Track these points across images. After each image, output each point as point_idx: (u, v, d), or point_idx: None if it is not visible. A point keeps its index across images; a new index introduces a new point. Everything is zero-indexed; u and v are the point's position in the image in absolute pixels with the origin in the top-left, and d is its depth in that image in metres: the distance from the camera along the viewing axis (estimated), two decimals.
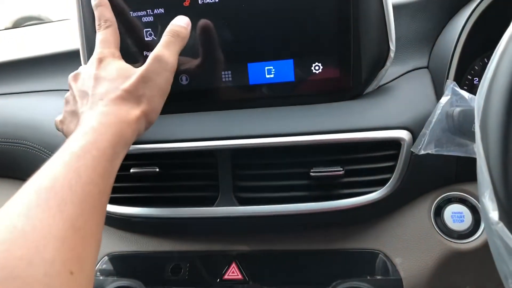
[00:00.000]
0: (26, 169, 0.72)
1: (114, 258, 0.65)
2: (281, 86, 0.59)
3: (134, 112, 0.48)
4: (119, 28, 0.57)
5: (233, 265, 0.61)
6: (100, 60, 0.52)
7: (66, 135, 0.52)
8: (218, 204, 0.58)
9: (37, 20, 1.62)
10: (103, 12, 0.56)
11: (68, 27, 1.19)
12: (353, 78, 0.57)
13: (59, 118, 0.55)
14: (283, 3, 0.55)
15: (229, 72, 0.59)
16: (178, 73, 0.58)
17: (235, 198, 0.58)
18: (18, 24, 1.58)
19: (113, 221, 0.65)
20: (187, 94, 0.61)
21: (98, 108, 0.47)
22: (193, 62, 0.59)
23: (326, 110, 0.57)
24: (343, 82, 0.58)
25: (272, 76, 0.59)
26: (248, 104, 0.60)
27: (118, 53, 0.55)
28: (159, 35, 0.58)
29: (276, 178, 0.58)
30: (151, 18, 0.59)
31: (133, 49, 0.60)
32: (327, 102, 0.59)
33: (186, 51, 0.55)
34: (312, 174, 0.55)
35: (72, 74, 0.54)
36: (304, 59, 0.57)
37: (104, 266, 0.65)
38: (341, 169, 0.55)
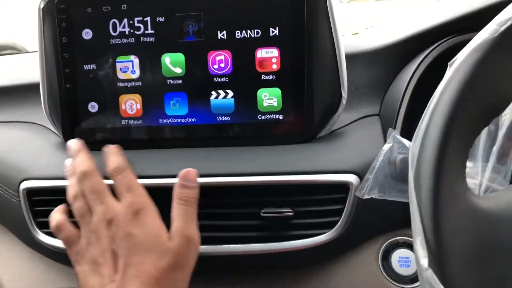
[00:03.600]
0: None
1: None
2: (238, 127, 0.60)
3: None
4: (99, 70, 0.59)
5: None
6: (136, 213, 0.48)
7: (78, 275, 0.49)
8: None
9: (12, 50, 1.61)
10: (115, 159, 0.51)
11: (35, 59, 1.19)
12: (306, 122, 0.59)
13: (77, 248, 0.49)
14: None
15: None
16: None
17: None
18: None
19: (60, 256, 0.62)
20: (143, 131, 0.62)
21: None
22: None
23: (278, 152, 0.59)
24: (296, 126, 0.60)
25: (229, 118, 0.60)
26: (201, 143, 0.61)
27: (148, 199, 0.50)
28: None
29: (227, 218, 0.58)
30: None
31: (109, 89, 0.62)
32: (280, 144, 0.60)
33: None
34: (262, 214, 0.56)
35: (105, 217, 0.47)
36: None
37: None
38: (291, 210, 0.56)
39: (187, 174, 0.50)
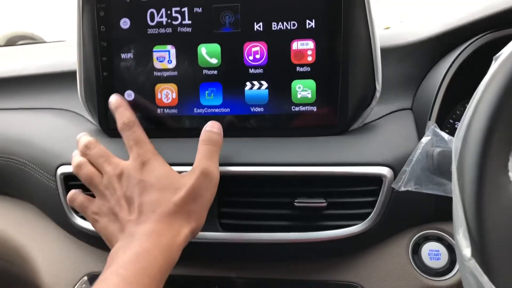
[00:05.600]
0: (14, 185, 0.72)
1: (94, 278, 0.65)
2: (271, 118, 0.61)
3: (184, 231, 0.49)
4: (136, 59, 0.61)
5: None
6: (143, 163, 0.52)
7: (100, 231, 0.53)
8: (202, 229, 0.59)
9: (30, 39, 1.63)
10: (124, 113, 0.56)
11: (63, 48, 1.21)
12: (340, 114, 0.60)
13: (92, 208, 0.54)
14: None
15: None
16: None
17: (219, 224, 0.59)
18: (12, 42, 1.59)
19: (94, 240, 0.65)
20: (177, 120, 0.63)
21: (150, 223, 0.48)
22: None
23: (313, 144, 0.59)
24: (329, 118, 0.60)
25: (262, 109, 0.61)
26: (234, 133, 0.62)
27: (156, 152, 0.54)
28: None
29: (261, 207, 0.59)
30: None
31: (145, 78, 0.63)
32: (313, 136, 0.61)
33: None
34: (296, 204, 0.57)
35: (116, 172, 0.52)
36: None
37: (83, 286, 0.65)
38: (324, 201, 0.56)
39: (213, 123, 0.56)
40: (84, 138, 0.57)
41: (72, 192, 0.57)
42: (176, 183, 0.50)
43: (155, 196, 0.49)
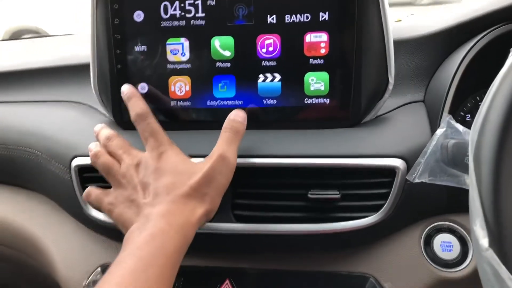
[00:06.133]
0: (29, 177, 0.73)
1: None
2: (284, 110, 0.61)
3: (198, 211, 0.49)
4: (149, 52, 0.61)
5: (227, 282, 0.62)
6: (161, 154, 0.53)
7: (116, 219, 0.53)
8: (216, 220, 0.60)
9: (34, 33, 1.64)
10: (137, 104, 0.57)
11: (72, 41, 1.21)
12: (353, 107, 0.60)
13: (108, 199, 0.54)
14: None
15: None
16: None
17: (233, 216, 0.60)
18: (17, 36, 1.60)
19: (108, 231, 0.66)
20: (191, 113, 0.63)
21: (164, 204, 0.48)
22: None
23: (326, 136, 0.60)
24: (342, 110, 0.61)
25: (275, 101, 0.62)
26: (250, 125, 0.62)
27: (172, 142, 0.55)
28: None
29: (275, 198, 0.59)
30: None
31: (158, 71, 0.63)
32: (326, 128, 0.61)
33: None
34: (310, 196, 0.57)
35: (133, 162, 0.53)
36: None
37: (98, 277, 0.65)
38: (338, 193, 0.57)
39: (237, 112, 0.57)
40: (105, 130, 0.58)
41: (87, 189, 0.57)
42: (192, 169, 0.51)
43: (171, 180, 0.50)
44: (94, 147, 0.57)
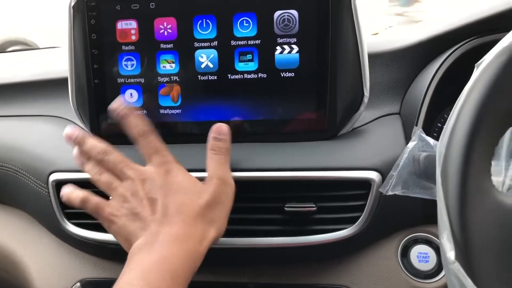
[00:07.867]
0: (6, 192, 0.73)
1: (87, 285, 0.66)
2: (259, 123, 0.62)
3: (209, 235, 0.49)
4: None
5: None
6: (168, 171, 0.52)
7: (117, 231, 0.51)
8: None
9: (22, 45, 1.63)
10: (136, 122, 0.54)
11: (57, 55, 1.21)
12: (329, 120, 0.61)
13: (109, 210, 0.51)
14: None
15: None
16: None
17: None
18: (4, 47, 1.59)
19: (86, 246, 0.65)
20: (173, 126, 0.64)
21: (175, 224, 0.48)
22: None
23: (302, 149, 0.60)
24: (319, 124, 0.61)
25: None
26: None
27: (177, 160, 0.54)
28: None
29: (251, 212, 0.60)
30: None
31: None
32: (302, 141, 0.62)
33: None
34: (286, 209, 0.57)
35: (139, 177, 0.51)
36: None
37: None
38: (314, 205, 0.57)
39: (220, 128, 0.55)
40: (93, 142, 0.54)
41: (79, 194, 0.54)
42: (198, 188, 0.51)
43: (181, 198, 0.50)
44: (90, 168, 0.54)
